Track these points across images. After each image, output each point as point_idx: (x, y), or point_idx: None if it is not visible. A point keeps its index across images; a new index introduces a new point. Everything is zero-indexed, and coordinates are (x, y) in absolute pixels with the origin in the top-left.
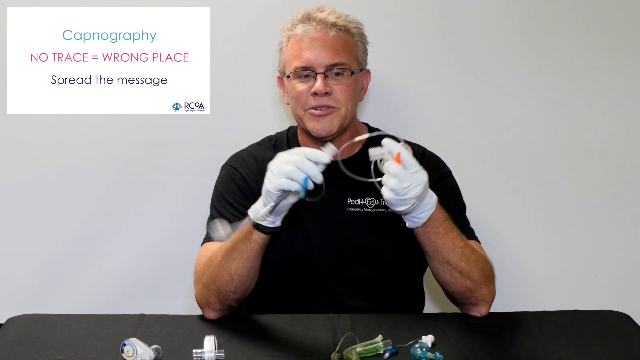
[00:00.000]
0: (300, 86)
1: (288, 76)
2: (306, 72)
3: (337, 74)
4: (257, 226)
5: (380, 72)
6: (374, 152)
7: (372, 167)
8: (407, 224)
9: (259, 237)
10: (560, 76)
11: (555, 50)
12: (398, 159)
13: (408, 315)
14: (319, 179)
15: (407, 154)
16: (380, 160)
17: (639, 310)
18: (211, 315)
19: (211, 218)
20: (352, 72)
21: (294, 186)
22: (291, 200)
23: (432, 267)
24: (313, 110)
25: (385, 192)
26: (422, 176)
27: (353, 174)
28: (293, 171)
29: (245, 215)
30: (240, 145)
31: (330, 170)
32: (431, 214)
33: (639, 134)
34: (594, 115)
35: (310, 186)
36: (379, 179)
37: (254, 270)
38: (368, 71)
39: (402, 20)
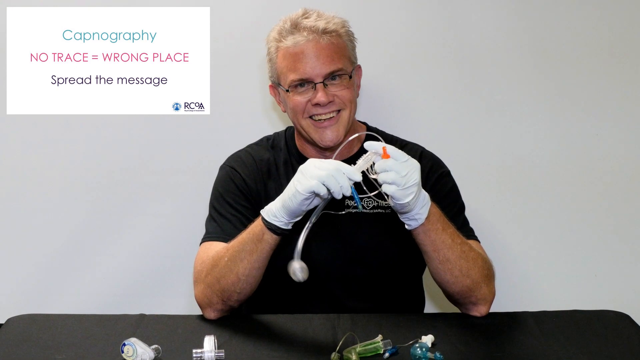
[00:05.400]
0: (299, 98)
1: (287, 90)
2: (303, 83)
3: (334, 79)
4: (269, 227)
5: (377, 71)
6: (361, 162)
7: (360, 181)
8: (408, 226)
9: (270, 238)
10: (560, 75)
11: (555, 48)
12: (386, 154)
13: (408, 315)
14: (348, 192)
15: (392, 147)
16: (368, 171)
17: (639, 310)
18: (212, 315)
19: (210, 218)
20: (350, 77)
21: (324, 191)
22: (313, 205)
23: (432, 267)
24: (318, 122)
25: (387, 187)
26: (415, 163)
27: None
28: (327, 177)
29: (243, 215)
30: (240, 145)
31: None
32: (429, 209)
33: (638, 135)
34: (595, 116)
35: (339, 196)
36: (375, 192)
37: (261, 271)
38: (359, 67)
39: (398, 18)
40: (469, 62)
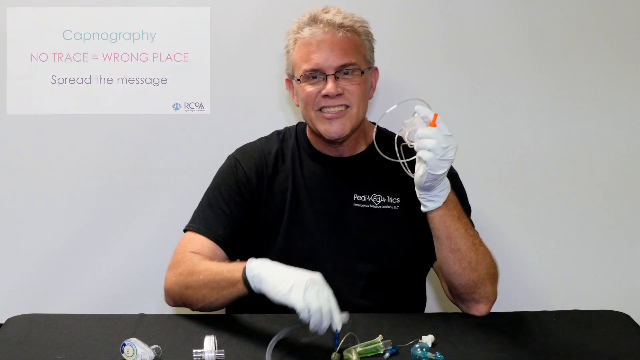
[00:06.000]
0: (310, 88)
1: (298, 79)
2: (315, 74)
3: (347, 74)
4: (245, 280)
5: (387, 72)
6: (408, 122)
7: (396, 141)
8: (424, 207)
9: (242, 290)
10: (561, 75)
11: (556, 48)
12: (434, 122)
13: (408, 315)
14: (322, 333)
15: (440, 119)
16: (403, 142)
17: (639, 310)
18: (170, 303)
19: (200, 205)
20: (362, 72)
21: (305, 317)
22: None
23: (442, 256)
24: (325, 113)
25: (424, 154)
26: (455, 142)
27: (357, 173)
28: (315, 312)
29: (232, 212)
30: (239, 145)
31: (338, 165)
32: (448, 193)
33: (638, 135)
34: (596, 116)
35: (312, 331)
36: (410, 159)
37: (227, 304)
38: (376, 69)
39: (409, 21)
40: (469, 62)
